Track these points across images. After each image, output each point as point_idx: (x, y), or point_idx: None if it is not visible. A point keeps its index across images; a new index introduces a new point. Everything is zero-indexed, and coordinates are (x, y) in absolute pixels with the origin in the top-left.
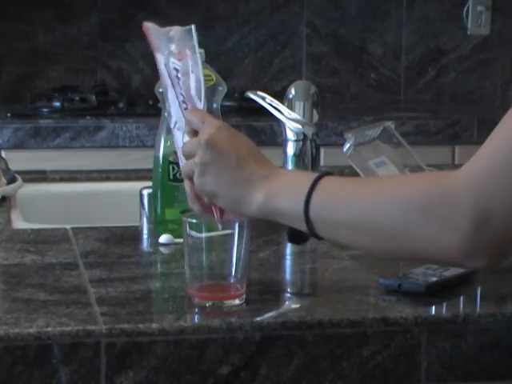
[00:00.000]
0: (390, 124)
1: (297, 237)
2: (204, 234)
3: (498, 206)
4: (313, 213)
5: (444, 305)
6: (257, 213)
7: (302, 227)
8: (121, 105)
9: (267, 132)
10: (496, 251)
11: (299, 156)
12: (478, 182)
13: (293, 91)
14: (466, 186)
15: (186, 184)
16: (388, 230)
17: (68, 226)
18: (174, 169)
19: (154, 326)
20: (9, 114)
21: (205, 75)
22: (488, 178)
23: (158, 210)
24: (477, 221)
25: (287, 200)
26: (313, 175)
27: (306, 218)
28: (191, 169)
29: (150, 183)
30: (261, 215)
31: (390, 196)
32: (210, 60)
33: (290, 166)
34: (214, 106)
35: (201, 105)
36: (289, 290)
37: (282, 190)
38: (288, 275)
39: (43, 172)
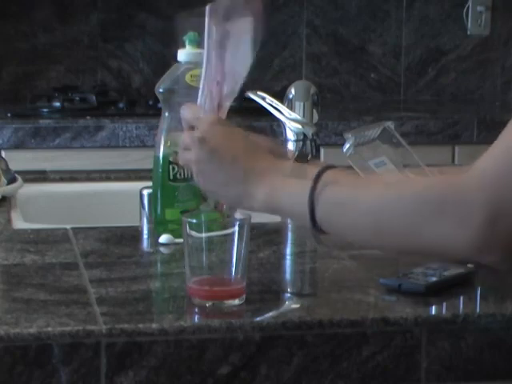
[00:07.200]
0: (390, 124)
1: None
2: (204, 234)
3: (508, 203)
4: (318, 212)
5: (444, 305)
6: (259, 210)
7: (307, 225)
8: (121, 105)
9: (267, 132)
10: (508, 247)
11: None
12: (489, 180)
13: (293, 91)
14: (478, 184)
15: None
16: (400, 227)
17: (68, 226)
18: (173, 169)
19: (154, 326)
20: (9, 114)
21: None
22: (498, 176)
23: (158, 210)
24: (489, 217)
25: (290, 198)
26: (314, 169)
27: (311, 217)
28: (188, 163)
29: (150, 183)
30: (263, 211)
31: (402, 193)
32: None
33: None
34: None
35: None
36: (289, 290)
37: (282, 186)
38: (288, 275)
39: (43, 172)
